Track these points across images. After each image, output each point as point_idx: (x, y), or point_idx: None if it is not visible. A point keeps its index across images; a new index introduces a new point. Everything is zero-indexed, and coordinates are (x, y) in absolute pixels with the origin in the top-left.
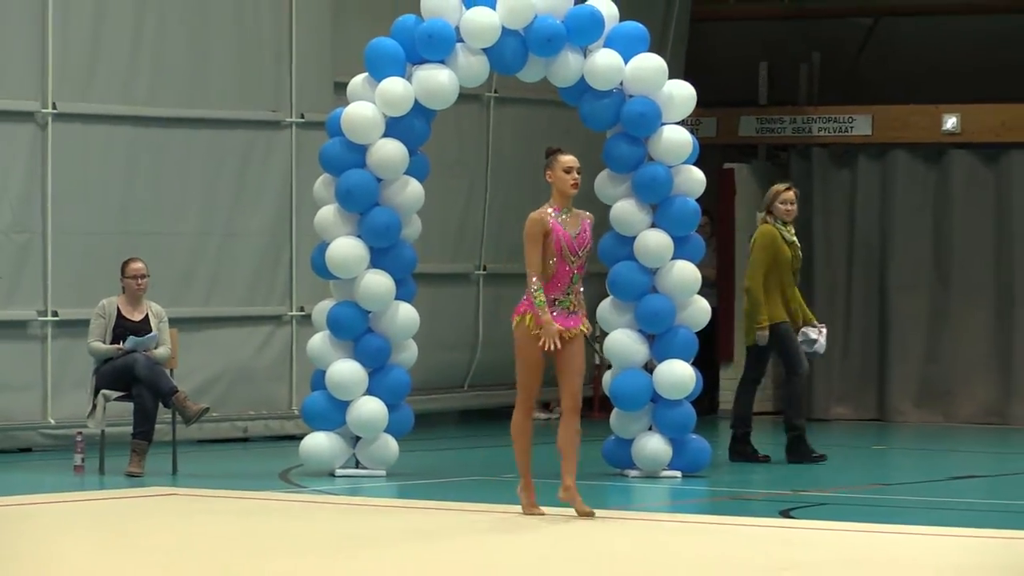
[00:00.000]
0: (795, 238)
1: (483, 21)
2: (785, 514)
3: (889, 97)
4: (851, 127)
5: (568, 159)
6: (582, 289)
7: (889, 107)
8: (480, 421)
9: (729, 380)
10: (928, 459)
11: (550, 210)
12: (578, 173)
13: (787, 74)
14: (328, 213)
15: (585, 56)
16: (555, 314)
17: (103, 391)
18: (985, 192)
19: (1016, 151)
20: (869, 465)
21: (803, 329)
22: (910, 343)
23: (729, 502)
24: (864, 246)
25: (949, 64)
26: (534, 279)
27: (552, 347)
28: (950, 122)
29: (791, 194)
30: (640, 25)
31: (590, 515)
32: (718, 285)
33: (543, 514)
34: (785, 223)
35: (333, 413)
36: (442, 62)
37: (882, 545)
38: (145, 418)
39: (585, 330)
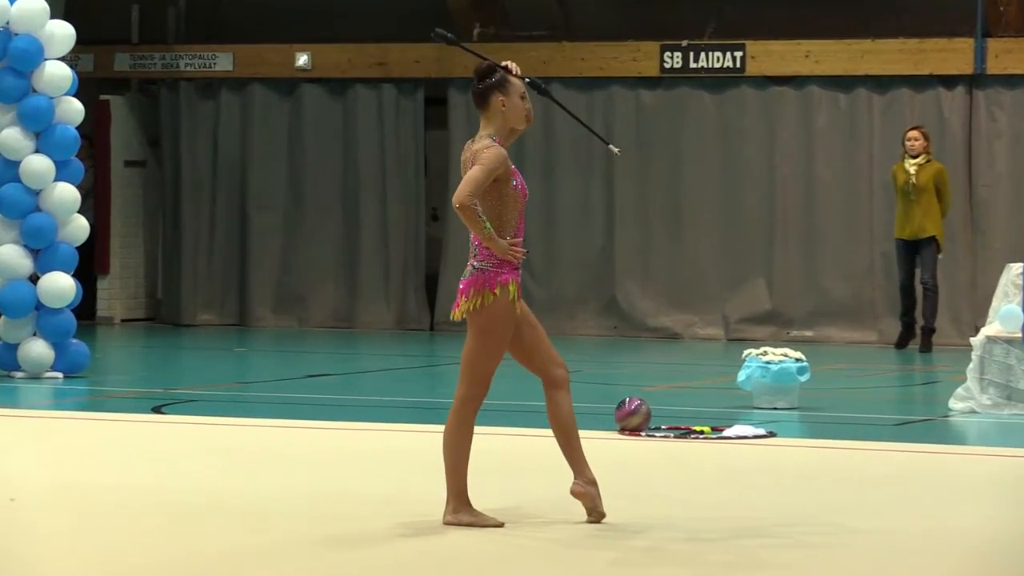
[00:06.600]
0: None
1: None
2: (157, 410)
3: (248, 36)
4: (214, 63)
5: (522, 84)
6: None
7: (248, 45)
8: None
9: (105, 290)
10: (285, 360)
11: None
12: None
13: (157, 14)
14: None
15: None
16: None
17: None
18: (334, 121)
19: (360, 85)
20: (233, 365)
21: None
22: (267, 254)
23: (107, 400)
24: (227, 169)
25: (299, 6)
26: (477, 204)
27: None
28: (302, 59)
29: (914, 133)
30: None
31: (601, 518)
32: (96, 203)
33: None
34: (911, 156)
35: None
36: None
37: (243, 436)
38: None
39: None
